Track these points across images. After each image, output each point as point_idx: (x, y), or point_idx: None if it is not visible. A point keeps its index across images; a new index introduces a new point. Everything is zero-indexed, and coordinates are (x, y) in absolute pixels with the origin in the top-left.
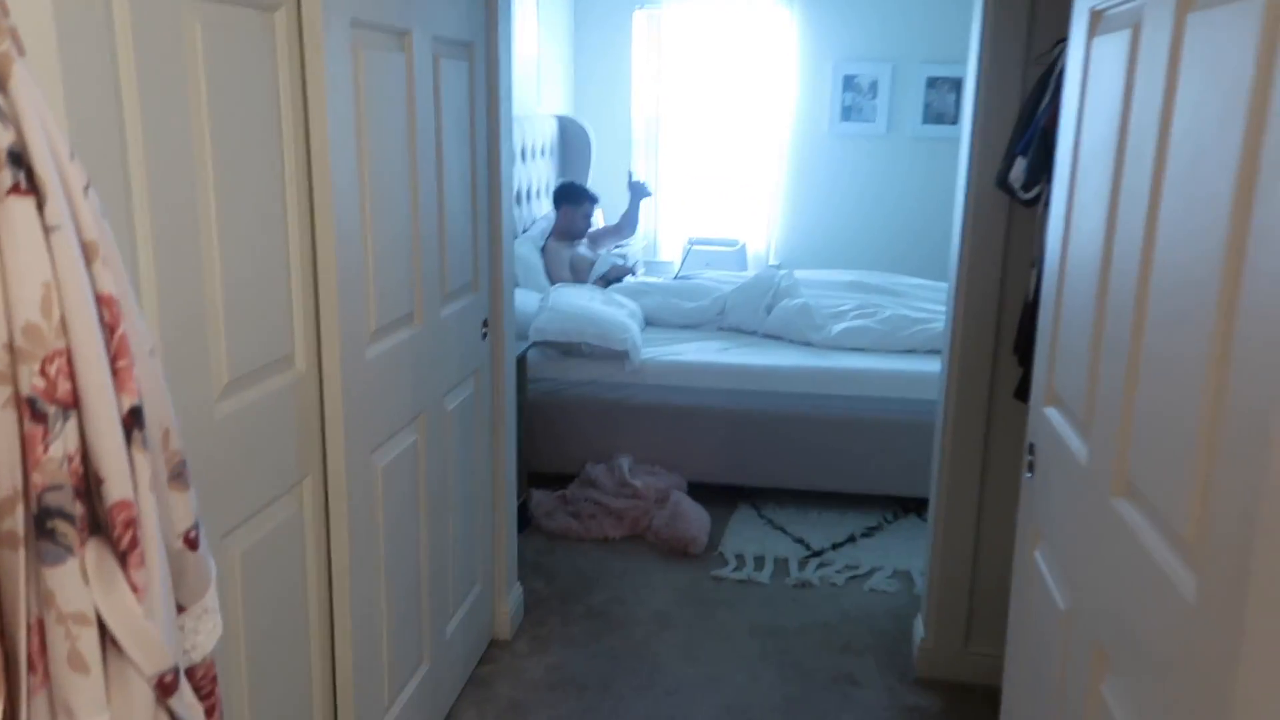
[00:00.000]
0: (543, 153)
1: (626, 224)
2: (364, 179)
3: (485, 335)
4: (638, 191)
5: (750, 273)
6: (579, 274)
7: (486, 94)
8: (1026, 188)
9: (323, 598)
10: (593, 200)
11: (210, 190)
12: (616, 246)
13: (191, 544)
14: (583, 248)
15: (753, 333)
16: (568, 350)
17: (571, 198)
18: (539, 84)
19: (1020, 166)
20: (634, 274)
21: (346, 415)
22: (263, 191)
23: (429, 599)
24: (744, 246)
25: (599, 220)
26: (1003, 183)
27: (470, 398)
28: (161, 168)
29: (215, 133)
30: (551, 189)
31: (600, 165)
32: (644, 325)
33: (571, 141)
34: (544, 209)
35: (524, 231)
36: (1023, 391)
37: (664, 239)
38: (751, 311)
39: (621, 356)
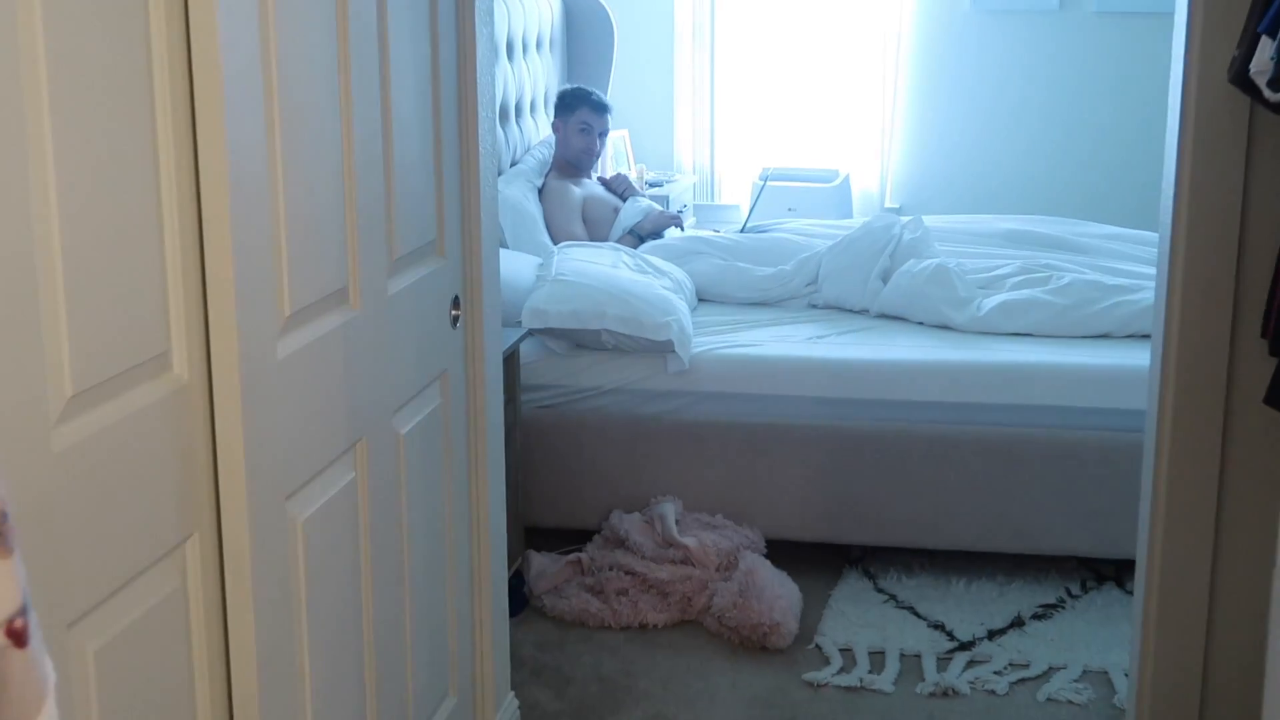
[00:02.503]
0: (540, 45)
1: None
2: (271, 93)
3: (457, 321)
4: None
5: (856, 221)
6: (597, 226)
7: None
8: (1276, 84)
9: (219, 713)
10: (601, 109)
11: (44, 110)
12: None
13: (17, 637)
14: (601, 187)
15: (862, 312)
16: (581, 342)
17: (569, 105)
18: None
19: (1267, 51)
20: (681, 225)
21: (249, 443)
22: (122, 115)
23: (378, 718)
24: (846, 180)
25: (628, 149)
26: (1240, 78)
27: (434, 414)
28: None
29: (50, 26)
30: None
31: (628, 62)
32: (696, 304)
33: (583, 28)
34: (543, 130)
35: (513, 165)
36: (1277, 396)
37: (724, 173)
38: (859, 280)
39: (662, 350)
